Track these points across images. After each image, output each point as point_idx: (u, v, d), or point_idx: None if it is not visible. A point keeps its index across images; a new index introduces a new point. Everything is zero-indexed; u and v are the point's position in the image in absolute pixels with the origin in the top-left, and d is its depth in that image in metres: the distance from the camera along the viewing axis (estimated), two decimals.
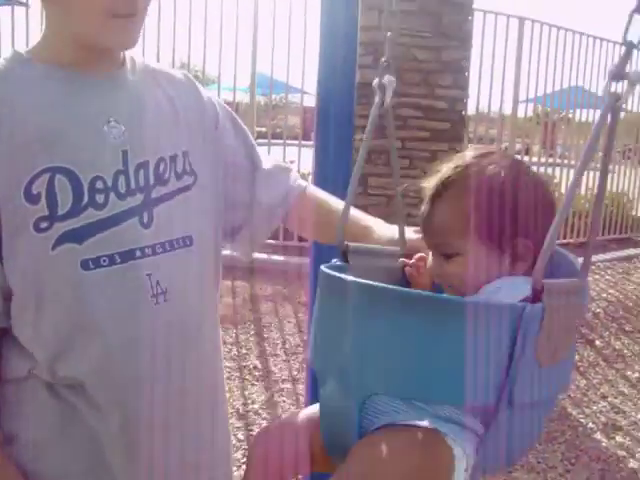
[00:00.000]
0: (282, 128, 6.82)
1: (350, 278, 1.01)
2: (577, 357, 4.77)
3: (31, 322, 1.13)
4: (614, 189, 8.50)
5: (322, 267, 1.09)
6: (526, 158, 7.71)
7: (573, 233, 7.74)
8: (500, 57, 6.80)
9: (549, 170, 7.95)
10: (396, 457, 0.92)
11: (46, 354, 1.13)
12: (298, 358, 4.29)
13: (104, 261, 1.14)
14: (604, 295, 6.15)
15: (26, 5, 6.74)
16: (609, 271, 6.96)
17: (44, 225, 1.10)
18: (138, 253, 1.17)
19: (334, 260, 1.19)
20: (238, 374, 3.94)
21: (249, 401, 3.51)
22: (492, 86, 6.84)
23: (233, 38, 6.30)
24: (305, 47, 6.50)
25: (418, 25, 5.69)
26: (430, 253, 1.16)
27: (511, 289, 1.05)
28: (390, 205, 5.83)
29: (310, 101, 8.02)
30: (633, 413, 3.91)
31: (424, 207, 1.14)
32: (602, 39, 7.85)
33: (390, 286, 0.99)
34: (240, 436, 3.34)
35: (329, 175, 2.06)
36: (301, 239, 5.86)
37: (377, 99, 1.20)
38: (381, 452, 0.93)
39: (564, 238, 7.54)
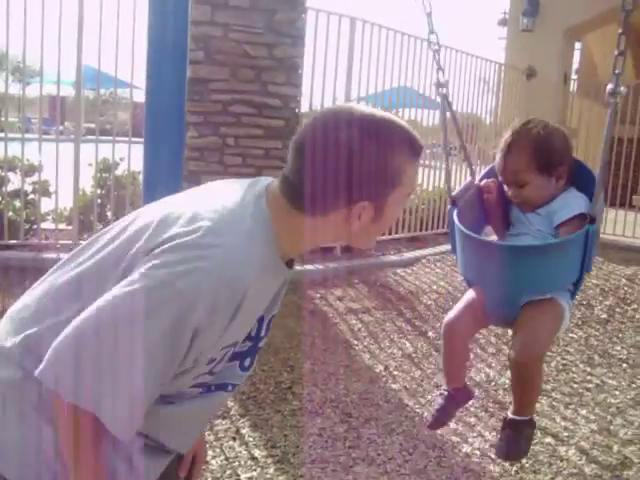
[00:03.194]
0: (112, 124, 6.54)
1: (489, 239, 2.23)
2: (411, 348, 4.93)
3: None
4: (441, 185, 8.87)
5: (455, 218, 2.11)
6: None
7: (404, 228, 8.00)
8: (332, 56, 6.89)
9: None
10: (548, 315, 2.04)
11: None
12: None
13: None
14: (434, 287, 6.39)
15: None
16: (438, 264, 7.24)
17: (210, 367, 1.38)
18: (229, 387, 1.51)
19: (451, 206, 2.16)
20: None
21: None
22: (325, 84, 6.91)
23: (56, 27, 5.94)
24: (134, 39, 6.23)
25: (250, 21, 5.64)
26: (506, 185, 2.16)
27: (572, 206, 2.06)
28: None
29: (140, 96, 7.77)
30: None
31: (500, 155, 2.13)
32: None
33: (529, 245, 2.08)
34: None
35: (160, 172, 1.97)
36: None
37: None
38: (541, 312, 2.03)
39: (395, 233, 7.77)
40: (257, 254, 1.31)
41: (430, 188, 8.64)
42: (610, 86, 1.92)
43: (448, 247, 7.95)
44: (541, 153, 2.07)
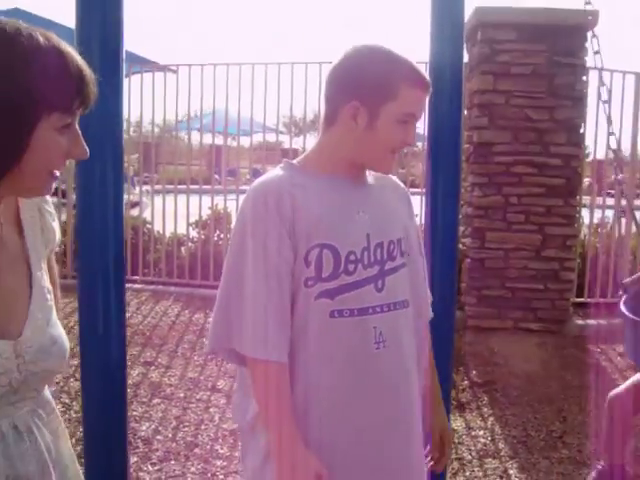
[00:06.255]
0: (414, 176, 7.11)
1: None
2: None
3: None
4: None
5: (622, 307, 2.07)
6: None
7: None
8: (617, 109, 6.88)
9: None
10: None
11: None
12: None
13: (346, 313, 1.62)
14: None
15: (176, 72, 7.13)
16: None
17: (311, 283, 1.61)
18: (370, 310, 1.64)
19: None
20: None
21: None
22: (609, 135, 6.89)
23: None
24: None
25: (531, 87, 5.92)
26: None
27: None
28: (506, 258, 6.02)
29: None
30: None
31: None
32: None
33: None
34: None
35: (439, 222, 2.40)
36: None
37: None
38: None
39: None
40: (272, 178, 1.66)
41: None
42: None
43: None
44: None
